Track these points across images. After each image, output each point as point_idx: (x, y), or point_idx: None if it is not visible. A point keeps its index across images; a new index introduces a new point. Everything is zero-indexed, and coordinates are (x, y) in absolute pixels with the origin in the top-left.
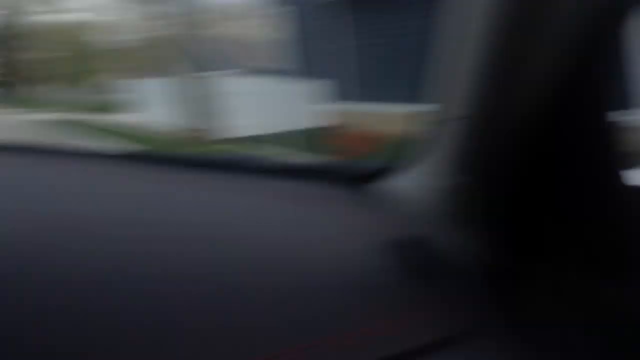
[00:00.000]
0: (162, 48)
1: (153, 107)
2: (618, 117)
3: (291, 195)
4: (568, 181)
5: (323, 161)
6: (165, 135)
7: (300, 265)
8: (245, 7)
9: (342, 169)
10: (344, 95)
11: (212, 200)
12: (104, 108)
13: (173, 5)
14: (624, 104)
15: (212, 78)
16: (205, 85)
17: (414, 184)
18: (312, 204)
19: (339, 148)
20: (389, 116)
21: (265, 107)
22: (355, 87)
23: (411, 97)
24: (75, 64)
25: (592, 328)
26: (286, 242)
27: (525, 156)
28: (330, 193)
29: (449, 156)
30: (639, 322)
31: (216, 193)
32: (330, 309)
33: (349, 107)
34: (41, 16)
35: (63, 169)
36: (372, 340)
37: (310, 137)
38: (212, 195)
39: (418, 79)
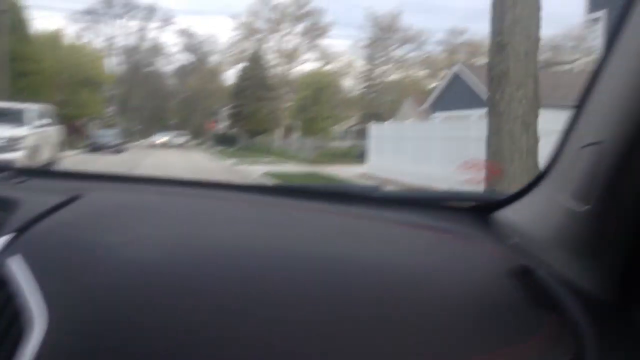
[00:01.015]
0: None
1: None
2: None
3: (418, 224)
4: None
5: (450, 191)
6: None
7: (428, 292)
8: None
9: (467, 198)
10: None
11: (345, 229)
12: (338, 157)
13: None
14: None
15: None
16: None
17: (534, 211)
18: (438, 232)
19: (467, 176)
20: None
21: None
22: None
23: None
24: (309, 112)
25: None
26: (414, 269)
27: None
28: (456, 221)
29: (576, 183)
30: None
31: (350, 222)
32: (459, 334)
33: None
34: (278, 67)
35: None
36: None
37: None
38: (345, 225)
39: None
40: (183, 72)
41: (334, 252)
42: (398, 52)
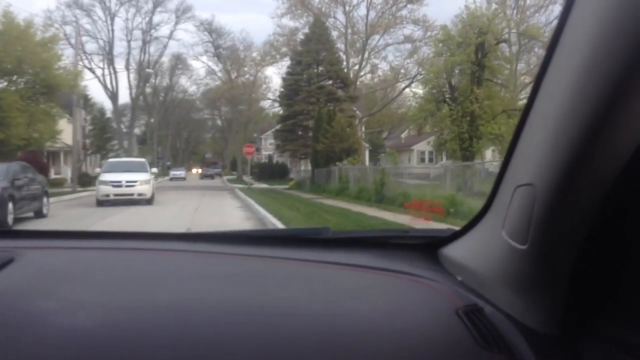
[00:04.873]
0: None
1: None
2: None
3: (368, 266)
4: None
5: (398, 229)
6: None
7: (378, 338)
8: None
9: (414, 236)
10: None
11: (294, 276)
12: None
13: None
14: None
15: None
16: None
17: (477, 248)
18: (387, 274)
19: (410, 213)
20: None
21: None
22: None
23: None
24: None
25: None
26: (364, 316)
27: (588, 228)
28: (404, 260)
29: (513, 222)
30: None
31: (299, 269)
32: None
33: None
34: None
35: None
36: None
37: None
38: (294, 271)
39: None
40: (211, 91)
41: (282, 303)
42: None
